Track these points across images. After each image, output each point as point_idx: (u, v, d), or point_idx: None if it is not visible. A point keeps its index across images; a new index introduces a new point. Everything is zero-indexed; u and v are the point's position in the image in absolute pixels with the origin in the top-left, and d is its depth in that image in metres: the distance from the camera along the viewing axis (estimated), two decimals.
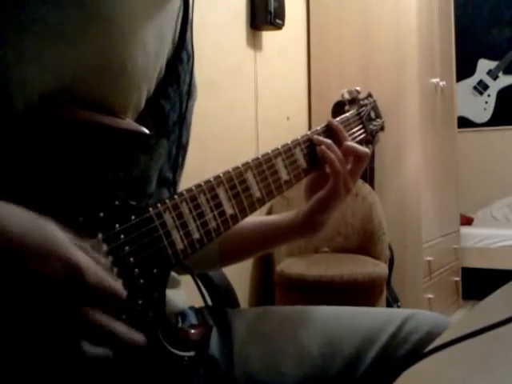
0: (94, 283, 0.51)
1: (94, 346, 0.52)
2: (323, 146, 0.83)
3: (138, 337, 0.55)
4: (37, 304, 0.49)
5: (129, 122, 0.62)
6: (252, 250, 0.93)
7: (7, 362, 0.50)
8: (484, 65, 4.42)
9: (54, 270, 0.49)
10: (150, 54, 0.66)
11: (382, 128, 1.01)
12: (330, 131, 0.86)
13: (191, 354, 0.64)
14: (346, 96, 0.98)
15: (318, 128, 0.86)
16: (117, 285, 0.54)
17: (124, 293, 0.54)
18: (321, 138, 0.84)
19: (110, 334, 0.53)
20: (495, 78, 4.40)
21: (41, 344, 0.51)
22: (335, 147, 0.83)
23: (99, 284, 0.51)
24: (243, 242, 0.89)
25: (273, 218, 0.91)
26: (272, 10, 2.52)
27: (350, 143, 0.86)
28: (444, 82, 3.19)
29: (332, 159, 0.82)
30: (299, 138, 0.83)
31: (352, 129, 0.92)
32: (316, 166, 0.83)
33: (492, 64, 4.40)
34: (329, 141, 0.84)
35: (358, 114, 0.95)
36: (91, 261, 0.52)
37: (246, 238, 0.88)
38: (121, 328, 0.53)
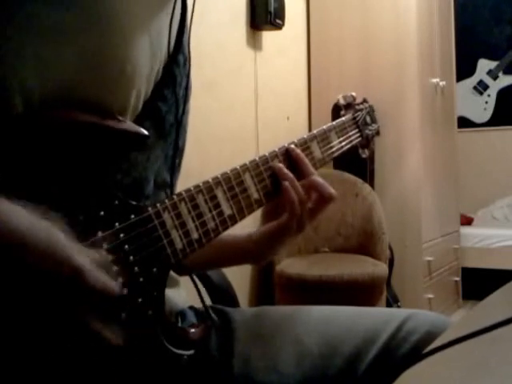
0: (92, 285, 0.51)
1: (89, 344, 0.53)
2: (287, 183, 0.76)
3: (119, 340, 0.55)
4: (35, 303, 0.50)
5: (127, 123, 0.63)
6: (203, 265, 0.88)
7: (4, 356, 0.50)
8: (484, 65, 4.42)
9: (55, 270, 0.50)
10: (148, 55, 0.66)
11: (377, 132, 1.03)
12: (290, 159, 0.79)
13: (190, 352, 0.64)
14: (342, 101, 0.99)
15: (277, 150, 0.79)
16: (115, 286, 0.55)
17: (122, 294, 0.55)
18: (284, 171, 0.76)
19: (99, 335, 0.53)
20: (495, 77, 4.40)
21: (38, 340, 0.51)
22: (298, 186, 0.76)
23: (98, 286, 0.52)
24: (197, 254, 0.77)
25: (229, 237, 0.83)
26: (272, 10, 2.52)
27: (317, 179, 0.78)
28: (444, 82, 3.19)
29: (292, 200, 0.75)
30: (295, 140, 0.82)
31: (348, 133, 0.93)
32: (276, 196, 0.77)
33: (492, 64, 4.39)
34: (291, 176, 0.76)
35: (353, 119, 0.96)
36: (91, 263, 0.53)
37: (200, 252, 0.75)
38: (107, 332, 0.54)
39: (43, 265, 0.49)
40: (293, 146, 0.81)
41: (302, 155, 0.80)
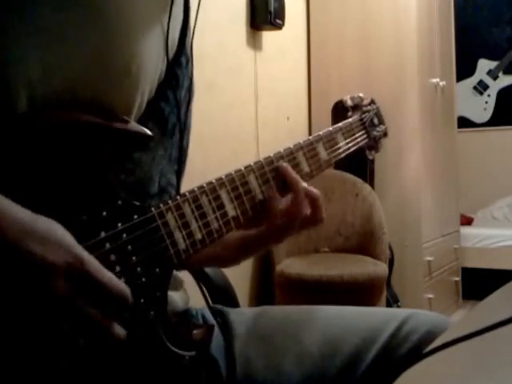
0: (95, 276, 0.52)
1: (91, 336, 0.53)
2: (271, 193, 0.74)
3: (122, 333, 0.55)
4: (36, 291, 0.50)
5: (131, 124, 0.63)
6: (201, 261, 0.86)
7: (6, 344, 0.50)
8: (484, 65, 4.42)
9: (58, 259, 0.50)
10: (153, 56, 0.66)
11: (385, 134, 1.02)
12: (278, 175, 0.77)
13: (192, 353, 0.64)
14: (349, 102, 0.98)
15: (282, 151, 0.78)
16: (120, 283, 0.54)
17: (127, 290, 0.55)
18: (290, 170, 0.76)
19: (103, 327, 0.53)
20: (495, 77, 4.40)
21: (39, 331, 0.51)
22: (300, 191, 0.75)
23: (100, 277, 0.52)
24: None
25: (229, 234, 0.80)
26: (272, 10, 2.52)
27: (320, 199, 0.77)
28: (444, 82, 3.19)
29: (275, 211, 0.74)
30: (301, 142, 0.81)
31: (354, 134, 0.92)
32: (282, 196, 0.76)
33: (492, 64, 4.39)
34: (297, 177, 0.76)
35: (360, 120, 0.95)
36: (94, 258, 0.53)
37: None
38: (114, 324, 0.54)
39: (43, 252, 0.49)
40: (295, 148, 0.80)
41: (290, 169, 0.77)
